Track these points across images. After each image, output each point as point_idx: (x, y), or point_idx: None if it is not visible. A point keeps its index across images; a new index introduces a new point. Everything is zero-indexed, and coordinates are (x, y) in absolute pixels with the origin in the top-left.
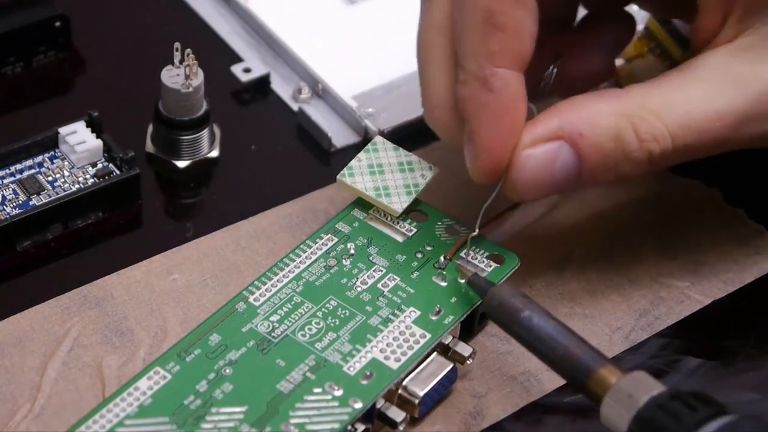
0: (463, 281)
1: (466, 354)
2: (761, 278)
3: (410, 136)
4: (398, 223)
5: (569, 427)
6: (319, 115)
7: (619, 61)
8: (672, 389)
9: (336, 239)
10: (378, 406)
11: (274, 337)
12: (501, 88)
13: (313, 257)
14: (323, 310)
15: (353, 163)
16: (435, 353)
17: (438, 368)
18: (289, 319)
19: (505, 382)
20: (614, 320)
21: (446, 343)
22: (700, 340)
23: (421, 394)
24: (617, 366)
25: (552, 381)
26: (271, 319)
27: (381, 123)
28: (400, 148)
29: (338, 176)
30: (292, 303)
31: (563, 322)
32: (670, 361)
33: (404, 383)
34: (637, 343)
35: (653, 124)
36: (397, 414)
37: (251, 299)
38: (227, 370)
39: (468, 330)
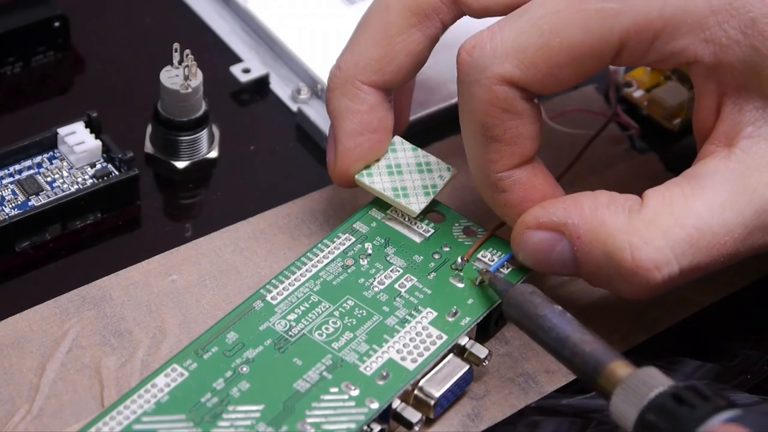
0: (479, 281)
1: (482, 356)
2: (761, 279)
3: (410, 136)
4: (416, 223)
5: (567, 428)
6: (318, 115)
7: (638, 93)
8: (684, 382)
9: (353, 239)
10: (394, 406)
11: (291, 336)
12: (510, 187)
13: (331, 257)
14: (340, 309)
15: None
16: (451, 354)
17: (454, 369)
18: (307, 318)
19: (503, 384)
20: (612, 321)
21: (462, 344)
22: (698, 342)
23: (437, 395)
24: (628, 362)
25: (550, 383)
26: (289, 318)
27: None
28: (419, 149)
29: (356, 176)
30: (310, 302)
31: (578, 321)
32: (669, 362)
33: (420, 384)
34: (636, 345)
35: (657, 250)
36: (412, 415)
37: (268, 297)
38: (244, 369)
39: (484, 332)
